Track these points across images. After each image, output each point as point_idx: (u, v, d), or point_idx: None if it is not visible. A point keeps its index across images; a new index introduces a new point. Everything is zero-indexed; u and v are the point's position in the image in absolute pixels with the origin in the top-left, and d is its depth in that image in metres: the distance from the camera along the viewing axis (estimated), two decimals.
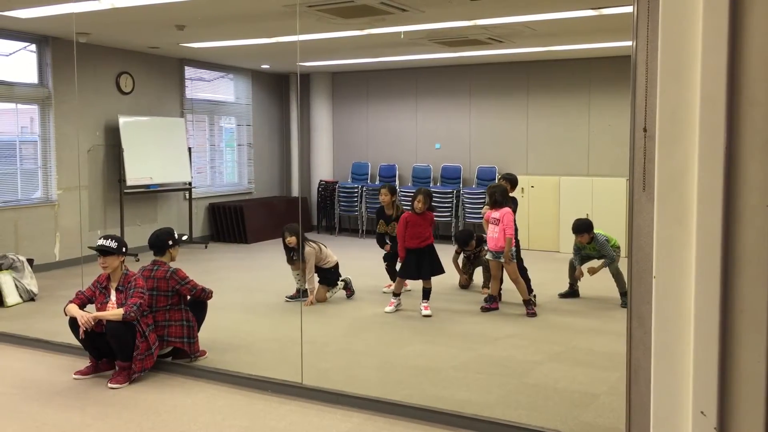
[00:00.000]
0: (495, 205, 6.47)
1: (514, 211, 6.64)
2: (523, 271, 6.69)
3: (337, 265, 7.03)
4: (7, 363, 5.19)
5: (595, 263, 6.86)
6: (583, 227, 6.82)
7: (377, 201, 11.18)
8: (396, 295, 6.58)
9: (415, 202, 6.41)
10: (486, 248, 6.78)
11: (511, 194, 6.87)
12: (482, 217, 7.09)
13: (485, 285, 7.18)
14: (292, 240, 6.78)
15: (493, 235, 6.46)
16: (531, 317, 6.30)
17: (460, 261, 7.62)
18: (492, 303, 6.56)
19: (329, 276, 6.97)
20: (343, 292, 7.09)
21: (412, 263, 6.44)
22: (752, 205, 2.30)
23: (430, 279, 6.47)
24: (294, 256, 6.83)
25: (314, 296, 6.82)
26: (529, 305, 6.41)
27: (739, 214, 2.31)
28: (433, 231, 6.66)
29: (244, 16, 7.16)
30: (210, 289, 5.19)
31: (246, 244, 10.83)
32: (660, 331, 2.51)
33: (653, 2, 2.71)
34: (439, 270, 6.52)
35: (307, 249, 6.77)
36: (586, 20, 7.16)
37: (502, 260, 6.40)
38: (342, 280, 7.07)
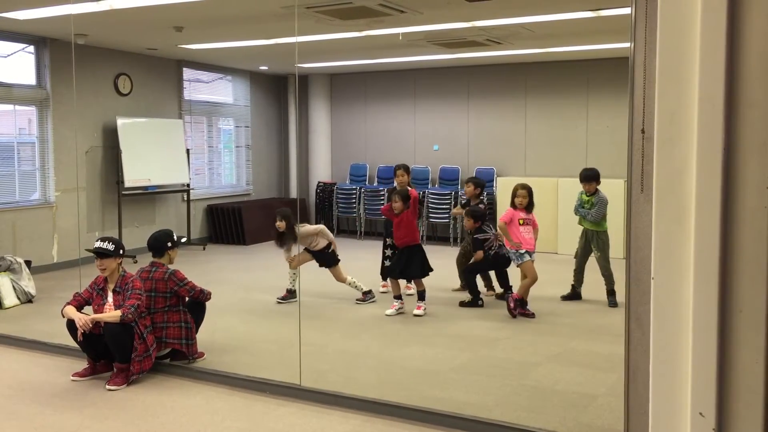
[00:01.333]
0: (530, 207, 6.56)
1: (485, 215, 6.96)
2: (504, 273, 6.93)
3: (328, 245, 6.92)
4: (5, 365, 5.18)
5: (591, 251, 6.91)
6: (592, 175, 6.85)
7: (376, 202, 11.24)
8: (397, 297, 6.56)
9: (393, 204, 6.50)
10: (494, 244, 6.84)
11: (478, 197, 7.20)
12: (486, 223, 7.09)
13: (487, 286, 7.21)
14: (281, 225, 6.78)
15: (531, 236, 6.48)
16: (530, 317, 6.27)
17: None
18: (525, 308, 6.41)
19: (327, 258, 6.92)
20: (356, 292, 6.98)
21: (395, 262, 6.55)
22: (751, 206, 2.30)
23: (420, 280, 6.47)
24: (282, 241, 6.84)
25: (294, 257, 6.85)
26: (523, 305, 6.37)
27: (738, 215, 2.31)
28: (417, 226, 6.70)
29: (243, 17, 7.15)
30: (208, 291, 5.18)
31: (244, 245, 10.82)
32: (658, 332, 2.51)
33: (651, 3, 2.71)
34: (423, 272, 6.47)
35: (297, 230, 6.79)
36: (584, 22, 7.16)
37: (533, 258, 6.44)
38: (369, 290, 6.99)
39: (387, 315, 6.43)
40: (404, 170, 7.21)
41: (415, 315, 6.36)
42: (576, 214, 6.98)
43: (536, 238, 6.57)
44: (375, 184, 11.70)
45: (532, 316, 6.32)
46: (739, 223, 2.31)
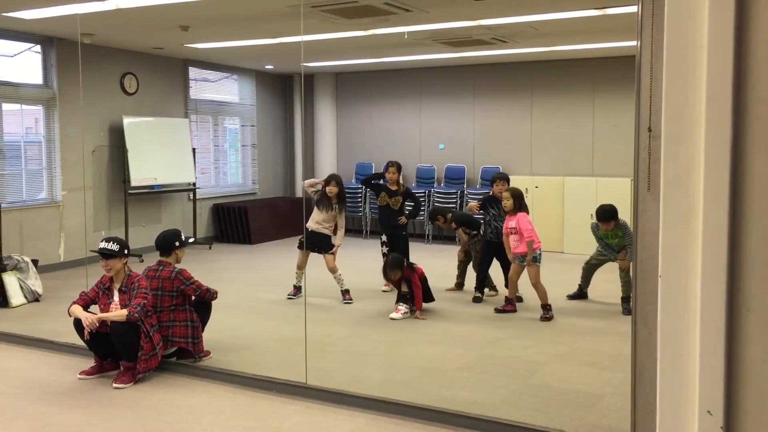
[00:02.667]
0: (517, 210, 6.30)
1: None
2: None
3: (330, 239, 7.00)
4: (12, 363, 5.20)
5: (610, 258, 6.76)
6: (610, 214, 6.41)
7: None
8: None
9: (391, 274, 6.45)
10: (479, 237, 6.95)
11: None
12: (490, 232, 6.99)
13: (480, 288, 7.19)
14: (333, 189, 6.88)
15: (515, 243, 6.34)
16: (544, 321, 6.17)
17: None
18: (507, 305, 6.50)
19: (326, 242, 6.94)
20: (354, 292, 7.01)
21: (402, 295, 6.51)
22: (759, 203, 2.28)
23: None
24: (333, 204, 6.89)
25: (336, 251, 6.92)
26: (546, 310, 6.24)
27: (746, 212, 2.29)
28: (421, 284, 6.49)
29: (248, 16, 7.16)
30: (215, 290, 5.19)
31: (250, 244, 10.84)
32: (665, 330, 2.49)
33: (658, 1, 2.70)
34: (423, 298, 6.42)
35: (342, 209, 6.95)
36: (590, 20, 7.15)
37: (525, 264, 6.30)
38: (347, 290, 7.01)
39: (392, 318, 6.35)
40: (396, 168, 7.26)
41: (390, 318, 6.29)
42: (605, 252, 6.65)
43: (527, 240, 6.21)
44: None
45: (548, 319, 6.19)
46: (747, 221, 2.30)
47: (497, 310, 6.44)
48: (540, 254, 6.30)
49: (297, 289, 7.04)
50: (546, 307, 6.26)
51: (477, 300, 6.87)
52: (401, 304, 6.41)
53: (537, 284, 6.26)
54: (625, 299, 6.48)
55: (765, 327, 2.29)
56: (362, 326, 6.19)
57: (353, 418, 4.10)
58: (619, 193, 9.37)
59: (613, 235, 6.53)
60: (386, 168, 7.36)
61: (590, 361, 5.13)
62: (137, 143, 9.43)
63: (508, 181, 6.92)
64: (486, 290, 7.02)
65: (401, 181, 7.50)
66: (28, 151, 8.84)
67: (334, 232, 6.97)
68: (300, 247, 7.01)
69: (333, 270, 6.92)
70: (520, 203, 6.34)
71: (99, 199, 9.34)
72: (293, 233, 10.94)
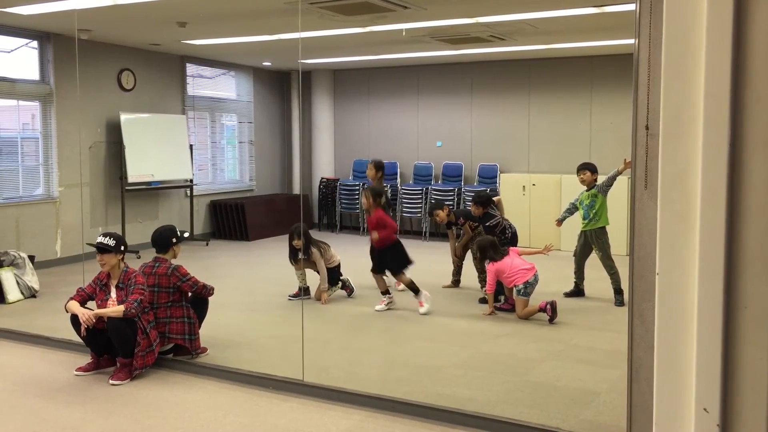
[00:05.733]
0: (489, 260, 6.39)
1: (492, 225, 6.84)
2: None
3: (339, 265, 7.04)
4: (9, 359, 5.20)
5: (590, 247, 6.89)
6: (586, 164, 6.92)
7: None
8: (384, 293, 6.57)
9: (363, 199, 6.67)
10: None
11: (483, 211, 6.98)
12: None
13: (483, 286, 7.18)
14: (299, 243, 6.79)
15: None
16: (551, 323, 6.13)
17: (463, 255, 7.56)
18: (504, 303, 6.51)
19: (331, 275, 6.97)
20: (343, 291, 7.08)
21: (375, 258, 6.64)
22: (756, 201, 2.29)
23: (400, 276, 6.47)
24: (298, 256, 6.86)
25: (323, 296, 6.82)
26: (544, 310, 6.18)
27: (743, 210, 2.30)
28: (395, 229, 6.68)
29: (246, 12, 7.15)
30: (211, 286, 5.19)
31: (247, 241, 10.83)
32: (662, 328, 2.50)
33: None
34: (395, 266, 6.47)
35: (314, 251, 6.79)
36: (589, 18, 7.15)
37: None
38: (340, 280, 7.06)
39: (377, 310, 6.47)
40: (374, 165, 7.33)
41: (421, 314, 6.33)
42: (584, 214, 6.86)
43: (487, 294, 6.42)
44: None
45: (546, 304, 6.19)
46: (744, 219, 2.31)
47: (495, 308, 6.45)
48: (524, 287, 6.18)
49: (302, 291, 6.98)
50: (542, 309, 6.20)
51: (485, 301, 6.77)
52: (383, 296, 6.53)
53: (520, 316, 6.18)
54: (617, 291, 6.67)
55: (761, 325, 2.30)
56: (359, 323, 6.19)
57: (349, 414, 4.10)
58: (616, 191, 9.35)
59: (588, 197, 6.83)
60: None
61: (587, 358, 5.14)
62: (134, 139, 9.42)
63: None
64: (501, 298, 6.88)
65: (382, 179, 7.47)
66: (24, 147, 8.82)
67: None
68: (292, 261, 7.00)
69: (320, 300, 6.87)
70: (487, 256, 6.40)
71: (96, 196, 9.33)
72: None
